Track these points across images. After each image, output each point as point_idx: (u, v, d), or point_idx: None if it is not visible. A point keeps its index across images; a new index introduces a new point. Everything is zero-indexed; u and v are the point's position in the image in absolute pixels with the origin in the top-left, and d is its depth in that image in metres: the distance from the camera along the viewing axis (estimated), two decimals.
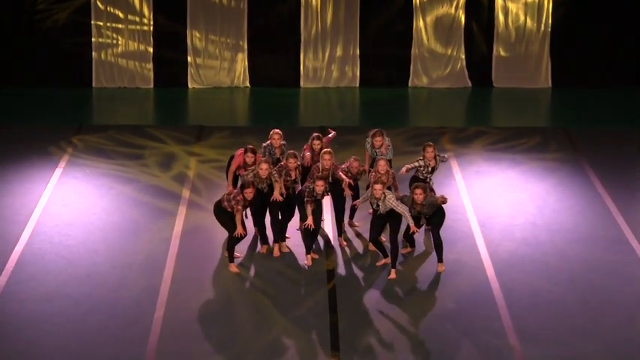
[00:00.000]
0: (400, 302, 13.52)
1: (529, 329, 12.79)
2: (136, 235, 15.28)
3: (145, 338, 12.50)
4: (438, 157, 15.22)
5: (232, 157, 15.43)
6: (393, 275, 14.13)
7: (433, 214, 14.32)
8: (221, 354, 12.26)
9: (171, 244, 14.95)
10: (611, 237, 15.38)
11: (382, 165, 14.66)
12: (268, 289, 13.78)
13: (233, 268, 14.27)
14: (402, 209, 13.99)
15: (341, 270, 14.35)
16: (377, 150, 15.42)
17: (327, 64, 23.26)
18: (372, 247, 14.73)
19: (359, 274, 14.26)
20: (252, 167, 14.73)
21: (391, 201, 14.00)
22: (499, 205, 16.43)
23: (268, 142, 15.38)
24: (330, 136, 15.95)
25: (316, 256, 14.60)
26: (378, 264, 14.44)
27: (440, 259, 14.38)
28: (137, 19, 22.85)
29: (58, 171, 17.55)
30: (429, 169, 15.14)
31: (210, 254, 14.67)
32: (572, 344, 12.49)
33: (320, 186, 14.32)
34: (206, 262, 14.48)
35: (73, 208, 16.15)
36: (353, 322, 12.95)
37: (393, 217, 14.17)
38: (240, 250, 14.63)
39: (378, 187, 14.03)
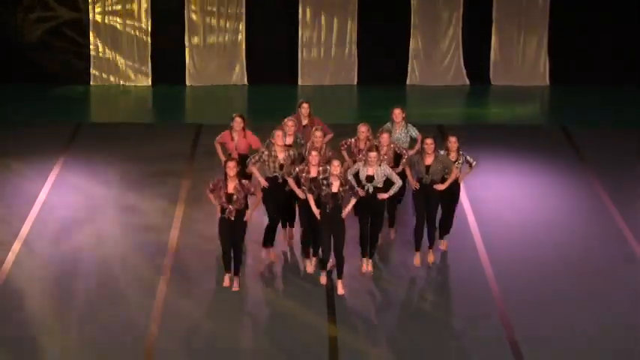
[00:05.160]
0: (398, 306, 13.55)
1: (528, 328, 12.81)
2: (135, 235, 15.28)
3: (144, 340, 12.50)
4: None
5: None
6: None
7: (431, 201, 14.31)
8: (220, 355, 12.27)
9: (169, 245, 14.94)
10: (609, 236, 15.41)
11: (385, 138, 14.49)
12: (268, 293, 13.79)
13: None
14: (396, 177, 13.97)
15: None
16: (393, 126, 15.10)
17: (326, 62, 23.27)
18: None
19: (359, 278, 14.25)
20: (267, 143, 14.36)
21: (386, 168, 13.93)
22: (497, 204, 16.44)
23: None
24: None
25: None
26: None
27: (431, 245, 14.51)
28: (136, 17, 22.87)
29: (56, 170, 17.55)
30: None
31: (208, 256, 14.65)
32: (572, 342, 12.52)
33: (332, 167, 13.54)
34: (205, 263, 14.47)
35: (71, 208, 16.14)
36: (352, 328, 12.94)
37: (377, 210, 14.12)
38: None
39: (372, 154, 13.85)
